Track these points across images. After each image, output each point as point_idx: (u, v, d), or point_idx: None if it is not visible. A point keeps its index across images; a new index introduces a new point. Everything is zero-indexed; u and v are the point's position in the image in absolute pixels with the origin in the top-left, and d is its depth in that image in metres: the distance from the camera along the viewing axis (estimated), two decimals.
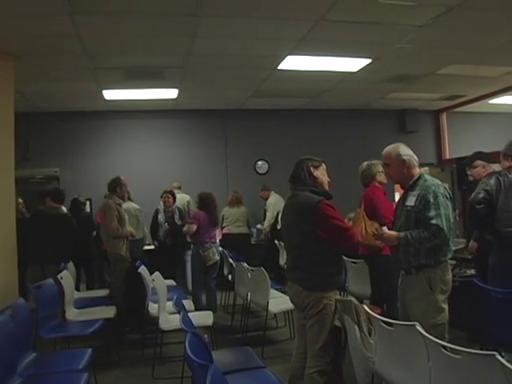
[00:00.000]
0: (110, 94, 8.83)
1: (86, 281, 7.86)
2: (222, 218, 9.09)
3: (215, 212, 7.10)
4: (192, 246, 7.35)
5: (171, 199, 8.16)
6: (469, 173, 5.62)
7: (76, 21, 5.41)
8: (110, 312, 5.52)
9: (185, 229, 7.27)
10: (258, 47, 6.70)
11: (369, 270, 5.28)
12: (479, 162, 5.30)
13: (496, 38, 6.63)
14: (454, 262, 6.27)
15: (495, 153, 9.63)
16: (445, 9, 5.54)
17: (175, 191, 8.84)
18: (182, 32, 5.98)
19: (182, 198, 9.08)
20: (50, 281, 5.23)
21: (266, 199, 9.82)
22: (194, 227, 6.87)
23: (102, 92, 8.63)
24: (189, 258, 8.01)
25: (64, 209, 7.08)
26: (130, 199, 7.94)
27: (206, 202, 7.08)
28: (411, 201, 3.65)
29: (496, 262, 4.68)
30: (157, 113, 10.28)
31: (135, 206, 8.02)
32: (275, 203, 9.27)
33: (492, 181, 4.83)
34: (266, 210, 9.72)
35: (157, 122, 10.42)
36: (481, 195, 4.81)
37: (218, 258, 6.92)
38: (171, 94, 9.04)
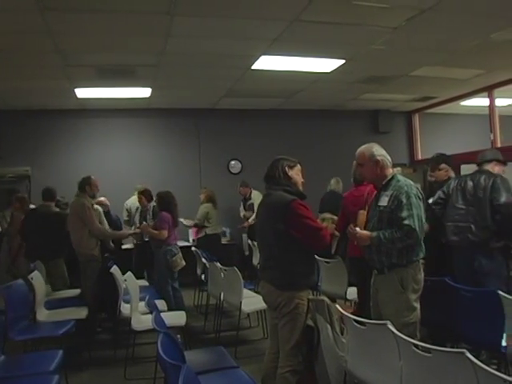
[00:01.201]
0: (82, 93, 8.73)
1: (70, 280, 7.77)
2: (205, 216, 8.93)
3: (176, 211, 6.75)
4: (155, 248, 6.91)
5: (143, 199, 7.98)
6: (431, 173, 5.73)
7: (47, 17, 5.34)
8: (81, 313, 5.46)
9: (156, 233, 6.51)
10: (232, 47, 6.69)
11: (358, 273, 5.15)
12: (444, 166, 5.40)
13: (467, 41, 6.73)
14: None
15: (468, 153, 9.82)
16: (417, 11, 5.61)
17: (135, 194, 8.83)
18: (156, 31, 5.94)
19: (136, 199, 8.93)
20: (20, 281, 5.15)
21: (245, 196, 9.81)
22: (166, 233, 6.44)
23: (74, 90, 8.53)
24: None
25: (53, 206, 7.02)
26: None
27: (167, 202, 6.64)
28: (384, 201, 3.68)
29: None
30: (130, 112, 10.20)
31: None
32: (259, 198, 9.24)
33: (452, 183, 5.00)
34: (247, 206, 9.69)
35: (130, 121, 10.35)
36: (437, 196, 5.01)
37: (184, 263, 6.56)
38: (144, 92, 8.98)
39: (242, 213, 10.02)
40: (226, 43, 6.53)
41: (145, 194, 7.91)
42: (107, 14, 5.38)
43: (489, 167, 4.93)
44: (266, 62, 7.37)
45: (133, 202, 8.93)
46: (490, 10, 5.67)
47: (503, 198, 4.59)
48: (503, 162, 5.07)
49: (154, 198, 7.23)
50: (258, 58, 7.19)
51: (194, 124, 10.64)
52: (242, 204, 10.08)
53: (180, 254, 6.54)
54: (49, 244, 6.42)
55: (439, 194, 5.12)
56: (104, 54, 6.78)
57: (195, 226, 9.03)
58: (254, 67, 7.59)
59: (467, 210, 4.78)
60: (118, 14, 5.40)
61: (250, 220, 9.46)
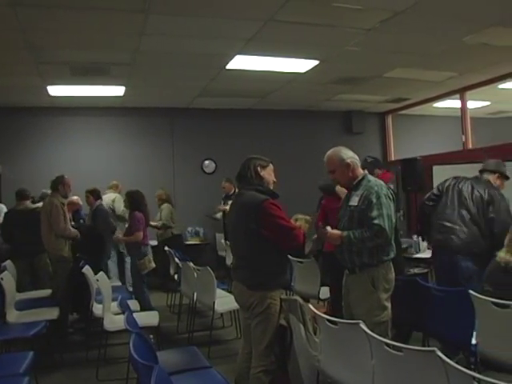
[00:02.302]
0: (54, 90, 8.62)
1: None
2: (171, 217, 8.94)
3: (147, 210, 6.66)
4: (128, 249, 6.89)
5: (90, 198, 7.70)
6: None
7: (19, 12, 5.25)
8: (52, 313, 5.40)
9: (131, 238, 6.34)
10: (207, 46, 6.66)
11: (331, 269, 5.09)
12: (378, 171, 5.38)
13: (440, 44, 6.82)
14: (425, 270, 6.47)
15: (441, 155, 9.95)
16: (391, 13, 5.66)
17: (108, 191, 8.85)
18: (130, 28, 5.89)
19: (108, 198, 8.82)
20: None
21: (228, 192, 9.77)
22: (141, 235, 6.29)
23: (46, 88, 8.42)
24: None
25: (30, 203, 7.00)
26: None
27: (138, 201, 6.45)
28: (354, 201, 3.70)
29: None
30: (103, 110, 10.10)
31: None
32: None
33: (449, 181, 5.00)
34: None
35: (103, 120, 10.24)
36: (431, 192, 5.01)
37: (153, 265, 6.43)
38: (118, 91, 8.90)
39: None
40: (200, 42, 6.51)
41: (93, 193, 7.67)
42: (81, 10, 5.31)
43: (491, 178, 4.89)
44: (241, 62, 7.37)
45: (105, 201, 8.87)
46: (463, 13, 5.75)
47: (498, 215, 4.58)
48: (506, 177, 5.03)
49: (124, 198, 7.08)
50: (232, 58, 7.18)
51: (168, 123, 10.59)
52: (222, 202, 9.98)
53: (150, 256, 6.42)
54: (33, 240, 6.36)
55: (433, 190, 5.12)
56: (77, 52, 6.70)
57: (162, 226, 8.91)
58: (228, 67, 7.58)
59: (458, 211, 4.76)
60: (91, 10, 5.33)
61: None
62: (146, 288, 6.42)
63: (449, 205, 4.86)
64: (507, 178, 5.01)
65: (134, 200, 6.45)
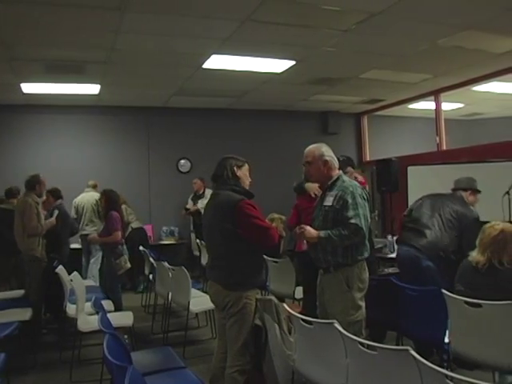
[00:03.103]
0: (28, 88, 8.49)
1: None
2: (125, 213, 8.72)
3: (122, 210, 6.67)
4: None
5: (50, 198, 7.30)
6: None
7: None
8: (25, 314, 5.32)
9: (110, 238, 6.16)
10: (183, 45, 6.64)
11: (305, 268, 5.11)
12: (350, 169, 5.40)
13: (415, 46, 6.89)
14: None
15: (415, 155, 10.05)
16: (367, 15, 5.71)
17: (88, 190, 8.76)
18: (106, 26, 5.84)
19: (91, 197, 8.77)
20: None
21: (198, 190, 9.74)
22: (120, 234, 6.17)
23: (19, 85, 8.29)
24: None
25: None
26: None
27: (114, 200, 6.34)
28: (329, 201, 3.72)
29: None
30: (78, 108, 9.97)
31: None
32: None
33: (424, 198, 5.08)
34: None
35: (78, 118, 10.12)
36: (410, 208, 5.13)
37: (129, 265, 6.30)
38: (93, 89, 8.81)
39: (188, 205, 9.95)
40: (177, 41, 6.49)
41: (53, 193, 7.37)
42: (56, 7, 5.24)
43: (464, 195, 5.00)
44: (217, 62, 7.35)
45: (81, 200, 8.80)
46: (437, 17, 5.83)
47: (468, 232, 4.65)
48: (478, 191, 5.12)
49: (98, 199, 6.97)
50: (209, 57, 7.17)
51: (144, 122, 10.52)
52: (190, 201, 9.96)
53: (125, 257, 6.30)
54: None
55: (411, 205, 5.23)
56: (52, 49, 6.61)
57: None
58: (204, 66, 7.56)
59: (431, 215, 4.85)
60: (66, 7, 5.26)
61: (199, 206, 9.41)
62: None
63: (424, 212, 4.93)
64: (479, 191, 5.11)
65: (112, 199, 6.31)
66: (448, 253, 4.61)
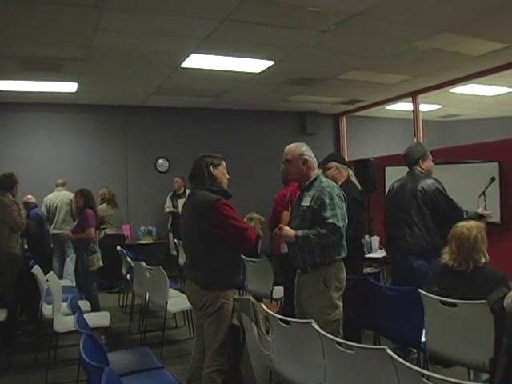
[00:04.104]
0: (4, 85, 8.38)
1: None
2: (101, 220, 8.54)
3: (97, 209, 6.67)
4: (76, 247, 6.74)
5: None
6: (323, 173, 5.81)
7: None
8: (0, 315, 5.26)
9: (83, 235, 6.26)
10: (162, 44, 6.60)
11: (285, 271, 5.03)
12: (333, 164, 5.38)
13: (393, 48, 6.94)
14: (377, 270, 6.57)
15: (393, 156, 10.10)
16: (346, 16, 5.73)
17: (60, 189, 8.68)
18: (84, 24, 5.77)
19: (64, 196, 8.69)
20: None
21: (178, 189, 9.70)
22: (93, 231, 6.30)
23: None
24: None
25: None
26: None
27: (90, 198, 6.47)
28: (307, 201, 3.74)
29: None
30: (55, 106, 9.86)
31: None
32: None
33: (388, 190, 5.09)
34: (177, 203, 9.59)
35: (55, 117, 10.00)
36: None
37: (101, 264, 6.39)
38: (71, 87, 8.72)
39: (169, 209, 9.89)
40: (155, 40, 6.45)
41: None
42: (32, 3, 5.17)
43: (419, 168, 4.95)
44: (196, 61, 7.33)
45: (53, 198, 8.69)
46: (415, 19, 5.88)
47: (446, 202, 4.68)
48: (429, 157, 5.07)
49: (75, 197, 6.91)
50: (187, 57, 7.14)
51: (122, 121, 10.44)
52: (169, 199, 9.93)
53: (98, 254, 6.38)
54: None
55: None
56: (28, 46, 6.51)
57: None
58: (183, 65, 7.53)
59: (400, 217, 4.85)
60: (43, 4, 5.19)
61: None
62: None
63: (392, 212, 4.98)
64: (431, 159, 5.05)
65: (88, 197, 6.45)
66: (433, 243, 4.60)
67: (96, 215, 6.48)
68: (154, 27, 6.00)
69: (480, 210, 4.83)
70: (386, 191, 5.21)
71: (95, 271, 6.35)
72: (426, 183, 4.76)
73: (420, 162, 4.95)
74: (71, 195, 8.50)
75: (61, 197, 8.68)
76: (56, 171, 9.29)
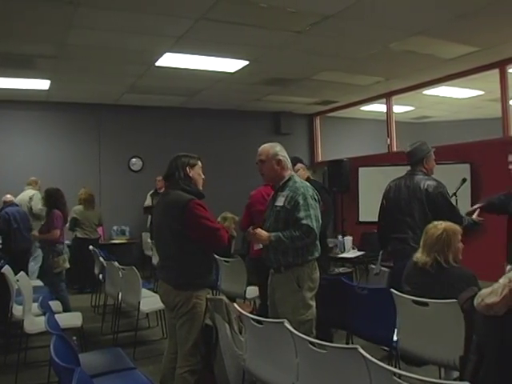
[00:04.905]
0: None
1: None
2: (74, 222, 8.48)
3: (66, 209, 6.55)
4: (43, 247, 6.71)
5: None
6: None
7: None
8: None
9: (48, 235, 6.22)
10: (136, 42, 6.57)
11: (260, 273, 4.90)
12: (300, 165, 5.39)
13: (367, 49, 7.01)
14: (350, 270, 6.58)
15: (366, 157, 10.20)
16: (321, 17, 5.77)
17: (27, 188, 8.53)
18: (57, 20, 5.71)
19: (24, 195, 8.49)
20: None
21: (160, 188, 9.62)
22: (58, 232, 6.19)
23: None
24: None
25: None
26: None
27: (56, 199, 6.34)
28: (280, 201, 3.73)
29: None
30: (27, 104, 9.71)
31: None
32: None
33: (387, 190, 5.03)
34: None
35: (26, 114, 9.86)
36: (380, 207, 5.05)
37: (67, 265, 6.33)
38: (43, 85, 8.61)
39: (146, 202, 9.83)
40: (129, 38, 6.41)
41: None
42: None
43: (422, 168, 4.85)
44: (171, 60, 7.31)
45: (20, 198, 8.53)
46: (389, 21, 5.95)
47: (448, 208, 4.64)
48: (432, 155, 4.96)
49: (42, 195, 6.89)
50: (162, 55, 7.11)
51: (95, 119, 10.34)
52: (149, 197, 9.85)
53: (65, 256, 6.33)
54: None
55: (381, 203, 5.10)
56: (0, 42, 6.43)
57: (69, 229, 8.37)
58: (157, 64, 7.51)
59: (403, 220, 4.76)
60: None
61: None
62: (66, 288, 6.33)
63: (393, 215, 4.85)
64: (434, 157, 4.97)
65: (52, 198, 6.36)
66: None
67: (64, 216, 6.41)
68: (129, 25, 5.96)
69: (475, 217, 4.84)
70: (383, 191, 5.07)
71: (62, 272, 6.30)
72: (431, 186, 4.67)
73: (424, 161, 4.84)
74: (31, 193, 8.40)
75: (22, 197, 8.52)
76: (26, 170, 9.14)
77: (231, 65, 7.68)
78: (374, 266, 5.73)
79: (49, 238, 6.20)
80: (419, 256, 3.77)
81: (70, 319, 4.99)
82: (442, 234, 3.67)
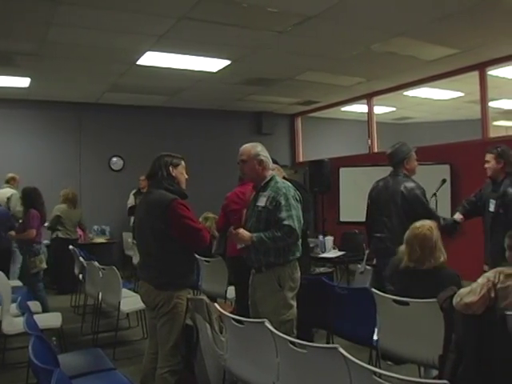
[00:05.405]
0: None
1: None
2: (57, 220, 8.42)
3: (44, 209, 6.50)
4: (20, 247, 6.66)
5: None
6: None
7: None
8: None
9: (24, 235, 6.23)
10: (117, 41, 6.52)
11: (237, 271, 5.01)
12: (274, 166, 5.42)
13: (349, 50, 7.04)
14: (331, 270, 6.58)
15: (347, 157, 10.25)
16: (303, 18, 5.78)
17: (5, 186, 8.41)
18: (37, 17, 5.64)
19: (3, 194, 8.32)
20: None
21: (143, 188, 9.57)
22: (34, 232, 6.17)
23: None
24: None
25: None
26: None
27: (33, 199, 6.34)
28: (262, 201, 3.73)
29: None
30: (6, 102, 9.58)
31: None
32: None
33: (371, 190, 5.05)
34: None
35: (6, 113, 9.72)
36: (367, 207, 5.08)
37: (44, 266, 6.33)
38: (23, 82, 8.51)
39: (130, 204, 9.75)
40: (111, 36, 6.36)
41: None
42: None
43: (403, 170, 4.88)
44: (152, 59, 7.27)
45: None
46: (371, 22, 5.98)
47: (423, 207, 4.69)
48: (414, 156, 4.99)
49: (20, 195, 6.83)
50: (143, 54, 7.07)
51: (76, 118, 10.25)
52: (132, 196, 9.79)
53: (42, 256, 6.31)
54: None
55: (367, 204, 5.14)
56: None
57: (48, 228, 8.30)
58: (139, 63, 7.46)
59: (381, 220, 4.82)
60: None
61: None
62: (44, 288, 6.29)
63: (374, 215, 4.94)
64: (415, 157, 4.98)
65: (30, 198, 6.36)
66: None
67: (41, 215, 6.38)
68: (110, 23, 5.92)
69: (457, 217, 4.89)
70: (369, 191, 5.09)
71: (39, 272, 6.29)
72: (407, 187, 4.72)
73: (405, 162, 4.88)
74: (9, 193, 8.29)
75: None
76: (4, 169, 8.96)
77: (213, 64, 7.66)
78: (359, 266, 5.78)
79: (25, 238, 6.18)
80: (407, 257, 3.74)
81: (49, 320, 4.95)
82: (425, 235, 3.67)
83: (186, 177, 3.84)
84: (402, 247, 3.79)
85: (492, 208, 4.51)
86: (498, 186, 4.52)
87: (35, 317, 3.84)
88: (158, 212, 3.55)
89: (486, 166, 4.62)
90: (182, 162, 3.82)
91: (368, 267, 5.42)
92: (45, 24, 5.84)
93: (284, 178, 5.09)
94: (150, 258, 3.68)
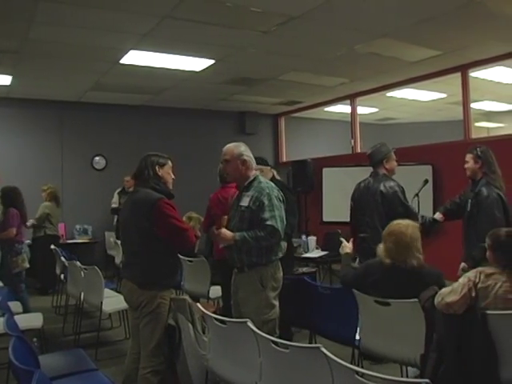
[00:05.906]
0: None
1: None
2: (46, 218, 8.37)
3: (24, 208, 6.48)
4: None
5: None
6: None
7: None
8: None
9: (4, 234, 6.20)
10: (100, 39, 6.48)
11: (224, 275, 4.90)
12: (263, 166, 5.43)
13: (332, 50, 7.07)
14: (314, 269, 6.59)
15: (330, 157, 10.28)
16: (287, 18, 5.79)
17: None
18: (19, 15, 5.59)
19: None
20: None
21: (129, 188, 9.50)
22: (14, 231, 6.18)
23: None
24: None
25: None
26: None
27: (12, 198, 6.34)
28: (245, 201, 3.73)
29: None
30: None
31: None
32: None
33: (354, 191, 5.08)
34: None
35: None
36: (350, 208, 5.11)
37: (27, 265, 6.31)
38: (4, 80, 8.42)
39: (114, 205, 9.63)
40: (93, 35, 6.31)
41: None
42: None
43: (382, 169, 4.93)
44: (135, 57, 7.24)
45: None
46: (354, 23, 6.01)
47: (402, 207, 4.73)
48: (393, 156, 5.04)
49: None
50: (126, 53, 7.03)
51: (58, 117, 10.15)
52: (116, 195, 9.70)
53: (24, 255, 6.28)
54: None
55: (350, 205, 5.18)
56: None
57: (33, 226, 8.25)
58: (122, 61, 7.42)
59: (363, 220, 4.87)
60: None
61: None
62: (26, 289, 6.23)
63: (357, 215, 4.99)
64: (394, 157, 5.03)
65: (9, 197, 6.36)
66: None
67: (22, 214, 6.36)
68: (93, 22, 5.87)
69: (437, 216, 4.93)
70: (351, 193, 5.15)
71: (21, 272, 6.22)
72: (386, 186, 4.78)
73: (384, 162, 4.94)
74: None
75: None
76: None
77: (197, 64, 7.64)
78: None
79: (4, 237, 6.14)
80: (384, 254, 3.72)
81: (30, 320, 4.90)
82: (407, 232, 3.64)
83: (173, 177, 3.84)
84: (381, 245, 3.78)
85: (468, 207, 4.57)
86: (476, 185, 4.57)
87: (16, 317, 3.81)
88: (143, 211, 3.54)
89: (466, 166, 4.68)
90: (169, 162, 3.82)
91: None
92: (26, 22, 5.78)
93: (273, 178, 5.10)
94: (135, 256, 3.67)
